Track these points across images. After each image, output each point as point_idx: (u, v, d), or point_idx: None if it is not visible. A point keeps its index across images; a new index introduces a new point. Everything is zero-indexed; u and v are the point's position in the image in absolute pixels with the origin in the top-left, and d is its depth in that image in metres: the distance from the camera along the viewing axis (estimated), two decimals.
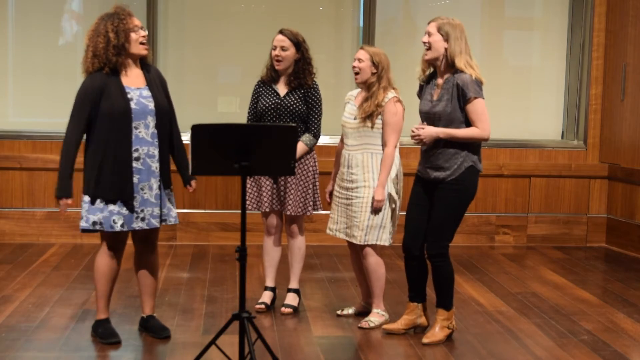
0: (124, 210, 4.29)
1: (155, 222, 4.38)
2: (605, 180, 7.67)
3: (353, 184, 4.83)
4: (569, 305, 5.52)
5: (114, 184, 4.25)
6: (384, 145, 4.78)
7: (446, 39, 4.45)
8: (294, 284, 5.25)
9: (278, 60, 5.02)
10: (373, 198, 4.74)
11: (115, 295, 5.07)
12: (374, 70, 4.79)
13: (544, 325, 5.02)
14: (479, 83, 4.44)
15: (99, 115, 4.24)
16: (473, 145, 4.50)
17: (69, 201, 4.27)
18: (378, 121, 4.77)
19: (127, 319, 4.89)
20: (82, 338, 4.56)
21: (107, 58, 4.26)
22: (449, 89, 4.46)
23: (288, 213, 5.07)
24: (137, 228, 4.34)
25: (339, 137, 5.01)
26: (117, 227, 4.27)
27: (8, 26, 7.38)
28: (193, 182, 4.58)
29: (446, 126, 4.44)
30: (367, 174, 4.80)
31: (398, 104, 4.77)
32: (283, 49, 5.00)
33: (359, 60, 4.81)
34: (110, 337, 4.47)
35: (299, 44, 5.03)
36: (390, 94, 4.78)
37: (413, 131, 4.47)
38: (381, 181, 4.74)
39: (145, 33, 4.37)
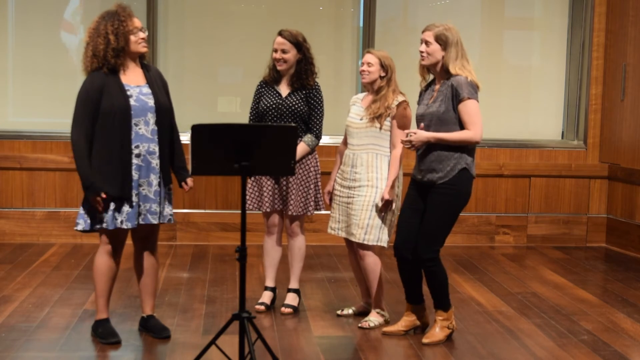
0: (126, 208, 4.29)
1: (151, 219, 4.38)
2: (605, 180, 7.67)
3: (356, 183, 4.84)
4: (569, 305, 5.52)
5: (114, 181, 4.25)
6: (392, 147, 4.81)
7: (444, 47, 4.45)
8: (294, 284, 5.25)
9: (280, 63, 5.02)
10: (382, 199, 4.75)
11: (115, 295, 5.08)
12: (383, 74, 4.82)
13: (544, 325, 5.02)
14: (474, 86, 4.44)
15: (100, 113, 4.25)
16: (467, 148, 4.50)
17: (103, 194, 4.23)
18: (386, 123, 4.79)
19: (127, 319, 4.89)
20: (82, 338, 4.56)
21: (105, 59, 4.27)
22: (444, 91, 4.47)
23: (289, 213, 5.07)
24: (135, 224, 4.34)
25: (340, 137, 5.02)
26: (118, 224, 4.28)
27: (8, 26, 7.38)
28: (189, 180, 4.56)
29: (438, 128, 4.45)
30: (371, 174, 4.81)
31: (408, 108, 4.81)
32: (284, 51, 5.00)
33: (368, 64, 4.82)
34: (110, 337, 4.47)
35: (299, 45, 5.02)
36: (400, 97, 4.81)
37: (406, 136, 4.48)
38: (390, 181, 4.76)
39: (145, 35, 4.37)
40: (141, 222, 4.35)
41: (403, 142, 4.50)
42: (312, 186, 5.10)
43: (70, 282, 5.80)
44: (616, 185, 7.56)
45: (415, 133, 4.45)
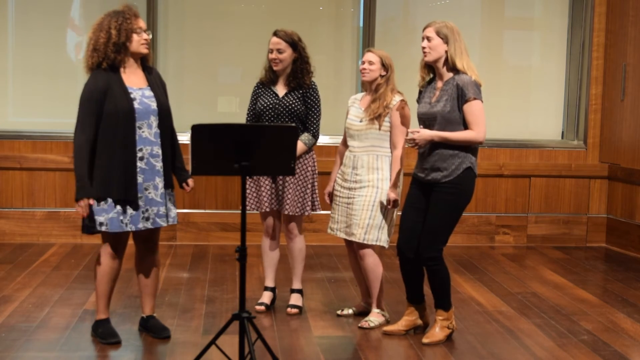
0: (130, 211, 4.29)
1: (160, 222, 4.38)
2: (605, 180, 7.67)
3: (357, 184, 4.84)
4: (569, 305, 5.52)
5: (119, 184, 4.25)
6: (392, 147, 4.81)
7: (446, 41, 4.46)
8: (296, 285, 5.25)
9: (275, 63, 5.02)
10: (388, 200, 4.76)
11: (115, 295, 5.08)
12: (383, 73, 4.82)
13: (544, 325, 5.02)
14: (478, 85, 4.45)
15: (103, 115, 4.24)
16: (471, 147, 4.50)
17: (91, 201, 4.23)
18: (385, 123, 4.79)
19: (127, 319, 4.90)
20: (82, 338, 4.56)
21: (105, 54, 4.26)
22: (448, 90, 4.46)
23: (286, 213, 5.07)
24: (142, 228, 4.34)
25: (339, 137, 5.02)
26: (123, 227, 4.27)
27: (8, 26, 7.39)
28: (190, 181, 4.56)
29: (443, 127, 4.44)
30: (372, 174, 4.82)
31: (407, 107, 4.81)
32: (279, 51, 5.00)
33: (370, 62, 4.82)
34: (110, 337, 4.47)
35: (294, 44, 5.02)
36: (398, 96, 4.82)
37: (408, 134, 4.48)
38: (394, 182, 4.77)
39: (148, 36, 4.37)
40: (150, 226, 4.35)
41: (407, 140, 4.50)
42: (309, 186, 5.10)
43: (70, 282, 5.80)
44: (616, 185, 7.56)
45: (418, 132, 4.45)
